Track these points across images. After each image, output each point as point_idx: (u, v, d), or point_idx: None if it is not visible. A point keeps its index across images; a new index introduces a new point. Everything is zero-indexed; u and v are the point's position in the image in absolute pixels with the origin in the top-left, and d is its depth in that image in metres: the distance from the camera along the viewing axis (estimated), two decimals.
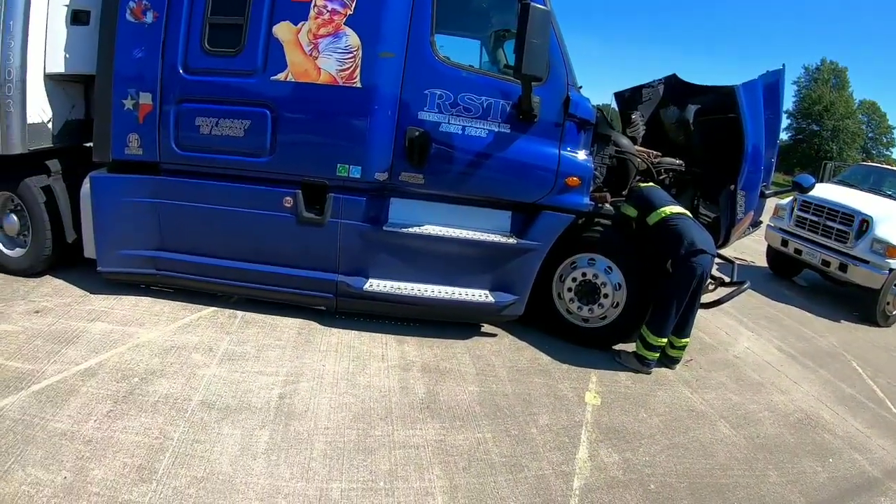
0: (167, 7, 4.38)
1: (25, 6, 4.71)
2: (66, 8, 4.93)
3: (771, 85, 5.06)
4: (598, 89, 47.76)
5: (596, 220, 4.87)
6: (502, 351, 4.72)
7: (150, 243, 4.72)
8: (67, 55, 4.95)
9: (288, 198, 4.47)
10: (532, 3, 3.88)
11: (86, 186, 4.71)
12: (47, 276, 5.33)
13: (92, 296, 4.96)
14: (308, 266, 4.61)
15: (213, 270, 4.69)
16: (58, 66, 4.92)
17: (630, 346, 4.86)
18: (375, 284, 4.60)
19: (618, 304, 4.77)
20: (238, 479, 2.96)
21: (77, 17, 4.99)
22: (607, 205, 4.89)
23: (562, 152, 4.47)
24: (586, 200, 4.64)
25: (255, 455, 3.15)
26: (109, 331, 4.35)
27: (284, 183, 4.47)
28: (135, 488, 2.81)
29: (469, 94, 4.33)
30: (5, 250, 5.39)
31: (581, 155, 4.57)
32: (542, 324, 5.07)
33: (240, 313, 4.72)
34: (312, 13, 4.22)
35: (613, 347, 4.97)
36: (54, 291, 5.06)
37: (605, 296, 4.76)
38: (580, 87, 4.68)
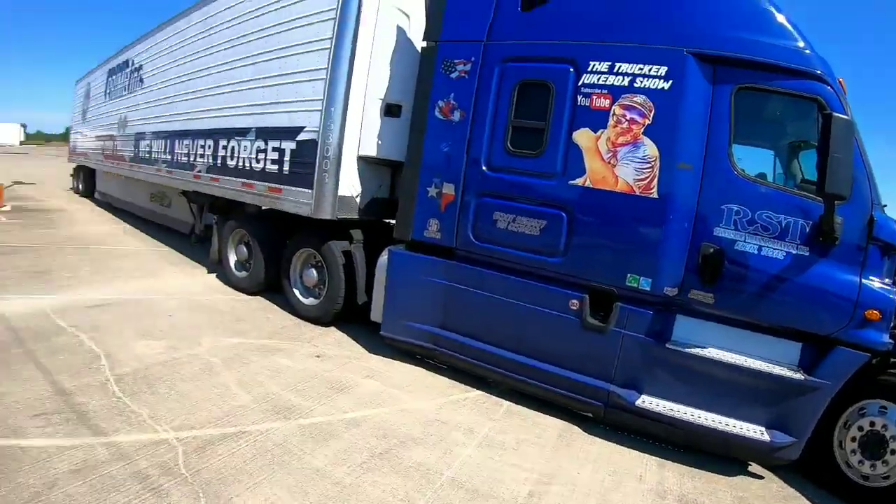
0: (473, 108, 4.82)
1: (345, 96, 5.66)
2: (380, 101, 5.82)
3: None
4: None
5: (893, 361, 4.10)
6: (767, 497, 4.08)
7: (434, 320, 5.08)
8: (379, 142, 5.80)
9: (574, 301, 4.46)
10: (835, 114, 3.58)
11: (384, 258, 5.32)
12: (333, 328, 6.11)
13: (370, 355, 5.49)
14: (582, 371, 4.51)
15: (487, 357, 4.84)
16: (370, 150, 5.80)
17: None
18: (648, 402, 4.32)
19: None
20: None
21: (390, 110, 5.86)
22: None
23: (863, 280, 3.87)
24: (885, 338, 3.93)
25: None
26: (380, 391, 4.73)
27: (573, 286, 4.48)
28: None
29: (768, 211, 3.98)
30: (301, 298, 6.38)
31: (883, 284, 3.95)
32: (813, 473, 4.31)
33: (505, 403, 4.77)
34: (611, 121, 4.29)
35: None
36: (336, 343, 5.75)
37: (894, 452, 3.92)
38: (884, 206, 4.11)
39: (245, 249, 7.52)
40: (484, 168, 4.77)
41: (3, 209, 13.93)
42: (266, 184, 6.57)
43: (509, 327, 4.76)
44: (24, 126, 66.35)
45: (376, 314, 5.47)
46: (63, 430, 3.67)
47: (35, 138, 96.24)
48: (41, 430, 3.65)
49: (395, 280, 5.28)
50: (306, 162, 5.90)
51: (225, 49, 7.76)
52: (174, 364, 4.87)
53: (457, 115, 4.90)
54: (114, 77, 13.76)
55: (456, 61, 4.93)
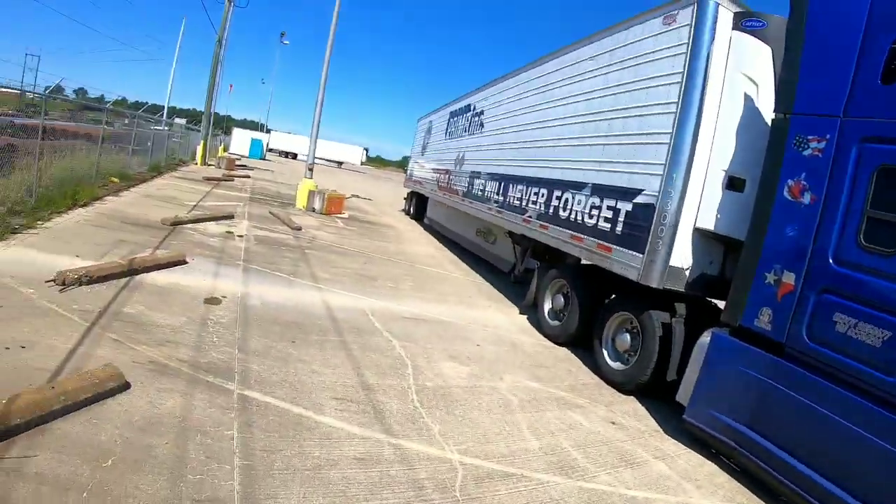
0: (826, 192, 4.28)
1: (688, 164, 5.47)
2: (723, 173, 5.49)
3: None
4: None
5: None
6: None
7: (741, 417, 4.61)
8: (718, 216, 5.48)
9: None
10: None
11: (705, 339, 5.00)
12: (632, 397, 5.97)
13: (665, 435, 5.21)
14: None
15: (788, 471, 4.22)
16: (707, 223, 5.51)
17: None
18: None
19: None
20: None
21: (732, 184, 5.49)
22: None
23: None
24: None
25: None
26: (667, 476, 4.44)
27: None
28: None
29: None
30: (609, 361, 6.35)
31: None
32: None
33: None
34: None
35: None
36: (633, 413, 5.58)
37: None
38: None
39: (562, 300, 7.75)
40: (830, 261, 4.19)
41: (342, 216, 17.07)
42: (596, 240, 6.71)
43: (819, 444, 4.06)
44: (366, 150, 79.65)
45: (683, 395, 5.14)
46: (358, 420, 4.17)
47: (373, 161, 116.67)
48: (338, 413, 4.21)
49: (712, 364, 4.91)
50: (640, 225, 5.89)
51: (565, 104, 8.27)
52: (474, 391, 5.24)
53: (807, 198, 4.39)
54: (455, 119, 15.80)
55: (809, 137, 4.44)
